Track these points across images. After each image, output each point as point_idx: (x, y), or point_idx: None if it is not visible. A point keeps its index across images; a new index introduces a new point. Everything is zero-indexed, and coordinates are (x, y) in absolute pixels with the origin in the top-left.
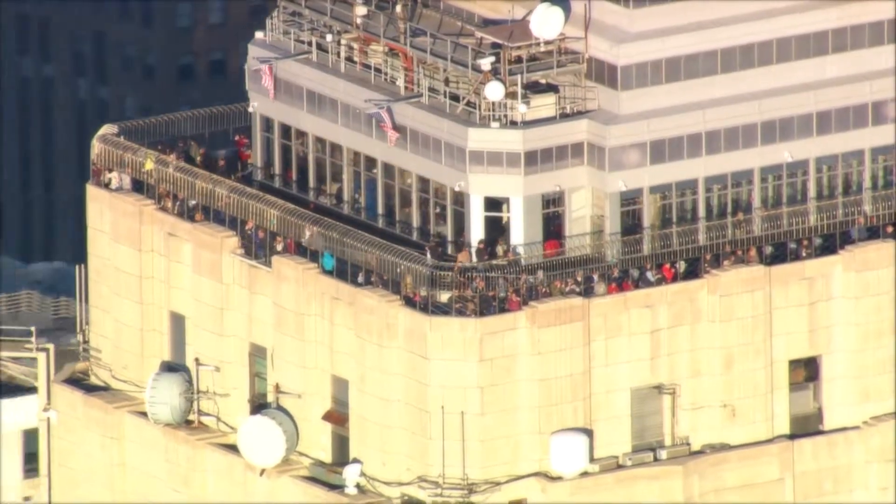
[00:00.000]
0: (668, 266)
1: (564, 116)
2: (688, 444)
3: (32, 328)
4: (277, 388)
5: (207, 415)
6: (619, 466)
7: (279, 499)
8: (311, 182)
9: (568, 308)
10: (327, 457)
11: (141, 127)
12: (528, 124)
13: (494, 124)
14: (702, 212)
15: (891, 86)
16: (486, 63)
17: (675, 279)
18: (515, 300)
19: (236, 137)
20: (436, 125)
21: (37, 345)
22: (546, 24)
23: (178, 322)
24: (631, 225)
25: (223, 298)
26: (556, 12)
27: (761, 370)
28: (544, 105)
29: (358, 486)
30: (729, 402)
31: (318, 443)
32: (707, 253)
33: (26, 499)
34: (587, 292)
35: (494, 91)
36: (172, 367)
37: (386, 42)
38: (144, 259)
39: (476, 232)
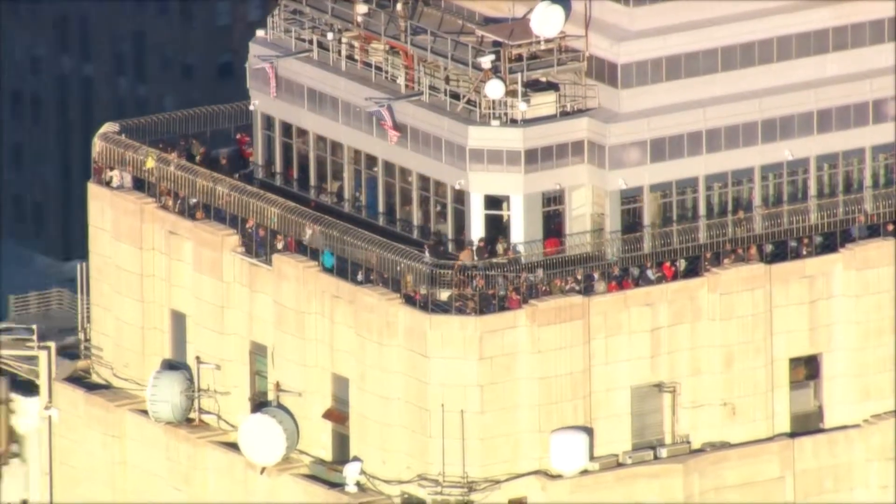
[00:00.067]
0: (668, 264)
1: (565, 114)
2: (688, 443)
3: (34, 326)
4: (278, 387)
5: (208, 413)
6: (620, 465)
7: (279, 497)
8: (312, 180)
9: (568, 306)
10: (328, 455)
11: (142, 125)
12: (528, 122)
13: (495, 122)
14: (702, 210)
15: (891, 84)
16: (486, 61)
17: (675, 277)
18: (515, 298)
19: (238, 135)
20: (436, 123)
21: (38, 343)
22: (546, 23)
23: (178, 320)
24: (631, 223)
25: (224, 297)
26: (557, 10)
27: (761, 368)
28: (545, 103)
29: (358, 484)
30: (729, 400)
31: (318, 441)
32: (707, 251)
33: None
34: (587, 290)
35: (495, 89)
36: (173, 365)
37: (387, 40)
38: (145, 257)
39: (476, 230)
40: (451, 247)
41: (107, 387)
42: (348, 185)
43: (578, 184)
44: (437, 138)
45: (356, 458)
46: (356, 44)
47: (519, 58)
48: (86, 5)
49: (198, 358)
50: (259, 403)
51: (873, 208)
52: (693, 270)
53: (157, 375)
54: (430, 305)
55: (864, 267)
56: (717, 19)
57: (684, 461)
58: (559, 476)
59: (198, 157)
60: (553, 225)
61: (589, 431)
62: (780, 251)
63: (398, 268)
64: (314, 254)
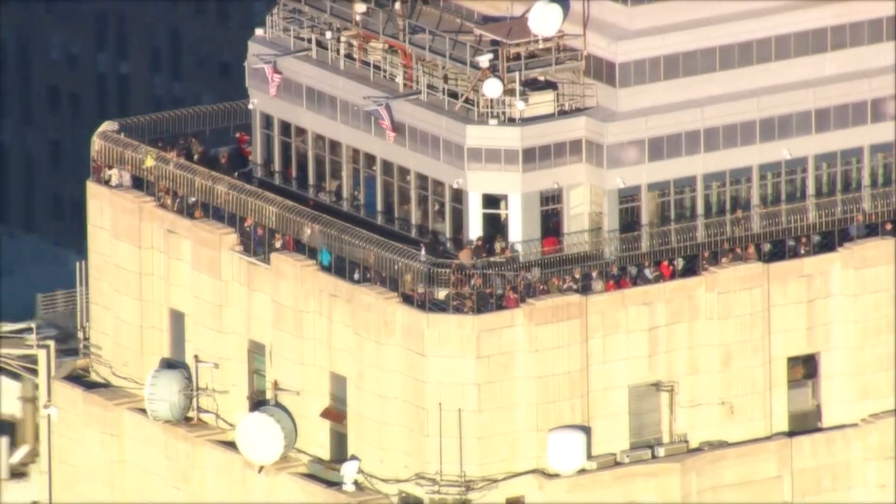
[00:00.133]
0: (666, 263)
1: (563, 113)
2: (686, 442)
3: (33, 324)
4: (276, 385)
5: (207, 412)
6: (617, 464)
7: (278, 496)
8: (311, 179)
9: (565, 305)
10: (325, 454)
11: (142, 124)
12: (526, 121)
13: (493, 121)
14: (700, 209)
15: (890, 83)
16: (484, 60)
17: (673, 276)
18: (513, 297)
19: (237, 134)
20: (434, 122)
21: (37, 341)
22: (544, 22)
23: (177, 319)
24: (629, 222)
25: (222, 295)
26: (555, 9)
27: (759, 367)
28: (543, 102)
29: (356, 483)
30: (727, 399)
31: (316, 440)
32: (705, 250)
33: None
34: (585, 289)
35: (492, 88)
36: (172, 363)
37: (385, 39)
38: (144, 256)
39: (474, 229)
40: (449, 246)
41: (106, 385)
42: (347, 183)
43: (576, 183)
44: (435, 137)
45: (354, 457)
46: (355, 43)
47: (517, 57)
48: (122, 4)
49: (196, 357)
50: (257, 402)
51: (871, 207)
52: (691, 269)
53: (155, 374)
54: (428, 304)
55: (863, 266)
56: (715, 18)
57: (682, 460)
58: (557, 475)
59: (196, 156)
60: (551, 224)
61: (586, 430)
62: (778, 250)
63: (395, 266)
64: (312, 252)
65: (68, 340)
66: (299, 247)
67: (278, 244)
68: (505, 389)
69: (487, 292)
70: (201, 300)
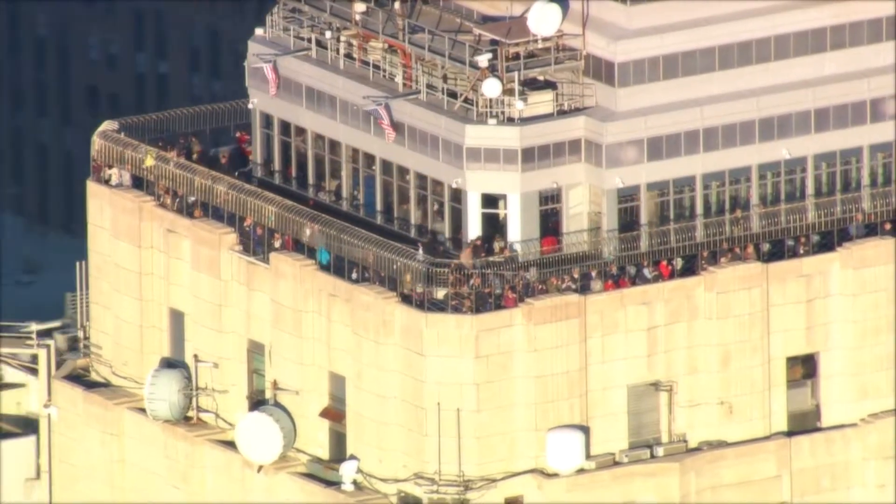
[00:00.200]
0: (665, 263)
1: (562, 113)
2: (685, 441)
3: (33, 324)
4: (275, 385)
5: (206, 411)
6: (616, 463)
7: (277, 495)
8: (311, 179)
9: (564, 305)
10: (325, 453)
11: (142, 123)
12: (525, 121)
13: (492, 121)
14: (699, 209)
15: (889, 83)
16: (483, 60)
17: (672, 276)
18: (511, 297)
19: (238, 134)
20: (433, 122)
21: (37, 341)
22: (544, 21)
23: (177, 318)
24: (628, 222)
25: (222, 295)
26: (554, 9)
27: (758, 367)
28: (542, 102)
29: (355, 482)
30: (726, 399)
31: (315, 439)
32: (704, 250)
33: None
34: (583, 289)
35: (491, 88)
36: (172, 363)
37: (385, 39)
38: (144, 255)
39: (473, 229)
40: (448, 245)
41: (106, 385)
42: (346, 183)
43: (575, 182)
44: (434, 137)
45: (353, 457)
46: (354, 42)
47: (516, 56)
48: (161, 3)
49: (196, 356)
50: (257, 402)
51: (871, 207)
52: (690, 269)
53: (154, 374)
54: (427, 304)
55: (862, 266)
56: (714, 18)
57: (681, 460)
58: (555, 475)
59: (194, 156)
60: (550, 223)
61: (585, 430)
62: (777, 250)
63: (394, 266)
64: (312, 252)
65: None
66: (298, 246)
67: (277, 244)
68: (503, 389)
69: (486, 292)
70: (201, 300)
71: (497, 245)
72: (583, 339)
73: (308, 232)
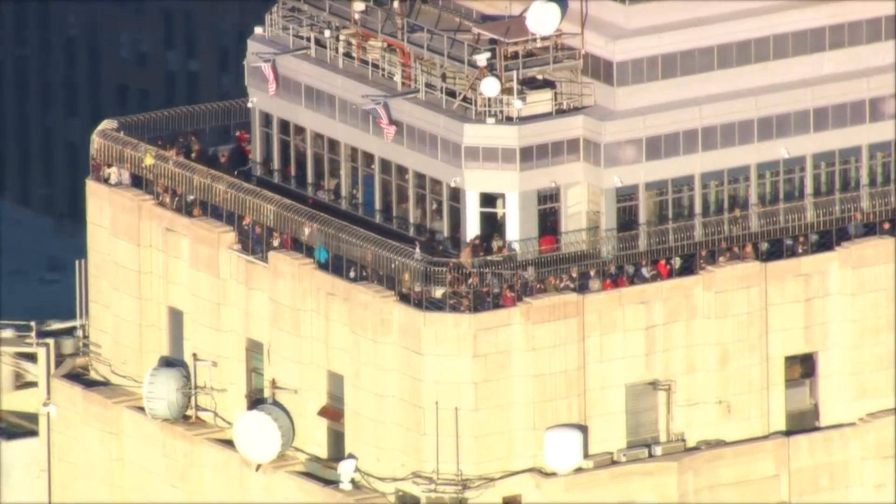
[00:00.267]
0: (663, 262)
1: (560, 112)
2: (683, 441)
3: (32, 323)
4: (273, 384)
5: (205, 410)
6: (614, 462)
7: (275, 494)
8: (310, 177)
9: (562, 304)
10: (323, 452)
11: (141, 122)
12: (523, 120)
13: (490, 120)
14: (698, 208)
15: (888, 82)
16: (481, 59)
17: (670, 275)
18: (510, 296)
19: (237, 132)
20: (432, 121)
21: (36, 340)
22: (542, 20)
23: (176, 317)
24: (627, 221)
25: (220, 294)
26: (553, 8)
27: (757, 366)
28: (540, 101)
29: (353, 481)
30: (724, 398)
31: (313, 438)
32: (703, 249)
33: None
34: (582, 288)
35: (490, 87)
36: (171, 362)
37: (384, 38)
38: (143, 254)
39: (472, 228)
40: (448, 244)
41: (105, 384)
42: (345, 182)
43: (574, 181)
44: (433, 136)
45: (351, 456)
46: (354, 41)
47: (515, 55)
48: (190, 3)
49: (194, 355)
50: (255, 400)
51: (870, 206)
52: (688, 268)
53: (153, 373)
54: (425, 303)
55: (860, 265)
56: (712, 17)
57: (679, 459)
58: (553, 474)
59: (193, 154)
60: (548, 223)
61: (583, 429)
62: (775, 249)
63: (392, 265)
64: (310, 251)
65: None
66: (297, 245)
67: (276, 243)
68: (502, 388)
69: (484, 291)
70: (199, 298)
71: (495, 244)
72: (581, 338)
73: (307, 231)
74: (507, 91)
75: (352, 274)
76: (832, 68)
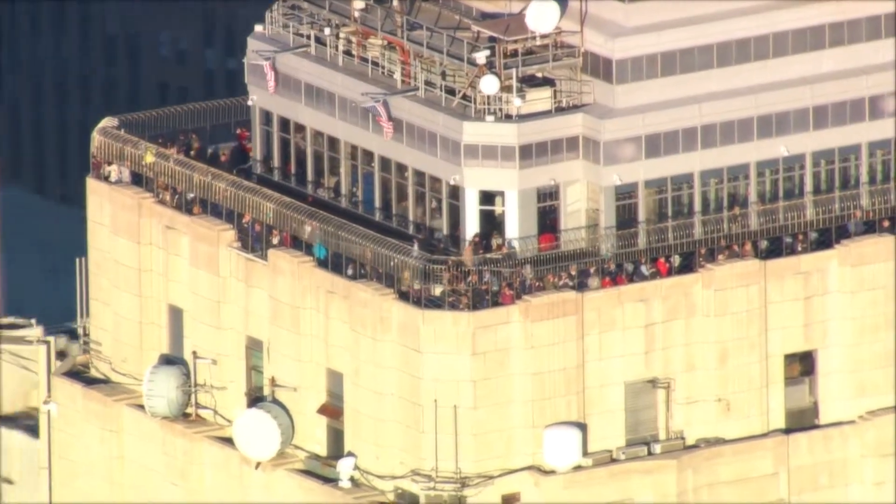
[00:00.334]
0: (662, 260)
1: (560, 110)
2: (682, 439)
3: (33, 320)
4: (273, 382)
5: (205, 408)
6: (613, 460)
7: (274, 492)
8: (310, 175)
9: (561, 302)
10: (322, 450)
11: (141, 120)
12: (523, 118)
13: (489, 118)
14: (697, 206)
15: (888, 80)
16: (481, 57)
17: (669, 273)
18: (508, 294)
19: (238, 130)
20: (431, 119)
21: (37, 338)
22: (542, 18)
23: (176, 315)
24: (626, 219)
25: (220, 291)
26: (552, 6)
27: (756, 364)
28: (540, 99)
29: (352, 479)
30: (724, 396)
31: (313, 436)
32: (702, 247)
33: None
34: (581, 286)
35: (489, 85)
36: (171, 360)
37: (383, 36)
38: (143, 252)
39: (471, 226)
40: (447, 242)
41: (105, 381)
42: (345, 180)
43: (573, 179)
44: (432, 134)
45: (350, 454)
46: (353, 39)
47: (514, 53)
48: (230, 2)
49: (194, 353)
50: (255, 398)
51: (869, 204)
52: (687, 266)
53: (153, 370)
54: (424, 301)
55: (860, 263)
56: (712, 15)
57: (678, 457)
58: (552, 472)
59: (192, 152)
60: (548, 221)
61: (582, 427)
62: (775, 247)
63: (391, 263)
64: (310, 249)
65: None
66: (297, 243)
67: (275, 240)
68: (500, 386)
69: (483, 289)
70: (199, 296)
71: (495, 242)
72: (580, 336)
73: (308, 229)
74: (506, 89)
75: (350, 271)
76: (832, 66)
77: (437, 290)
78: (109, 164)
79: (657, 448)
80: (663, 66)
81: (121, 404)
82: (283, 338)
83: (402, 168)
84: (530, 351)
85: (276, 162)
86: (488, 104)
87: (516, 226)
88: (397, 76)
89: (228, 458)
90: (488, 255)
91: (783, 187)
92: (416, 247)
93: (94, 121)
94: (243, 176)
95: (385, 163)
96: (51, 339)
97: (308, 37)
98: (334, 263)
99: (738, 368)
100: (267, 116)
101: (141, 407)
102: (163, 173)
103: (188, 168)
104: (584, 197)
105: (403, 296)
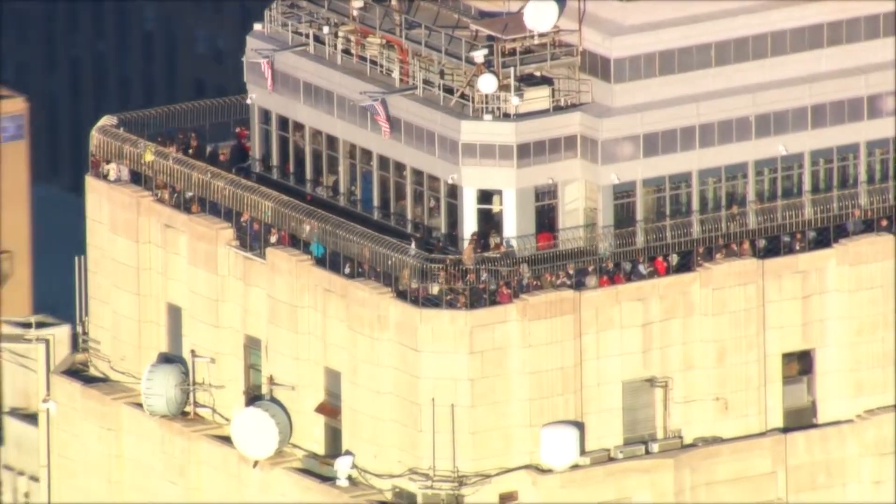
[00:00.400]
0: (660, 259)
1: (558, 109)
2: (680, 438)
3: (32, 319)
4: (271, 380)
5: (203, 406)
6: (611, 459)
7: (272, 490)
8: (309, 174)
9: (559, 301)
10: (320, 449)
11: (141, 118)
12: (521, 117)
13: (487, 117)
14: (695, 205)
15: (886, 79)
16: (479, 55)
17: (667, 272)
18: (506, 293)
19: (238, 129)
20: (429, 117)
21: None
22: (540, 17)
23: (174, 313)
24: (624, 218)
25: (218, 290)
26: (551, 5)
27: (754, 363)
28: (538, 98)
29: (350, 478)
30: (721, 395)
31: (310, 435)
32: (700, 246)
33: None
34: (578, 285)
35: (487, 84)
36: (169, 358)
37: (382, 34)
38: (142, 250)
39: (469, 225)
40: (445, 241)
41: (104, 380)
42: (344, 179)
43: (571, 178)
44: (430, 132)
45: (348, 452)
46: (352, 38)
47: (512, 52)
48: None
49: (193, 351)
50: (253, 397)
51: (868, 203)
52: (685, 265)
53: (151, 369)
54: (421, 299)
55: (858, 262)
56: (710, 14)
57: (676, 456)
58: (550, 470)
59: (191, 151)
60: (546, 220)
61: (580, 426)
62: (773, 246)
63: (389, 262)
64: (308, 247)
65: None
66: (295, 242)
67: (274, 239)
68: (498, 385)
69: (481, 288)
70: (198, 295)
71: (493, 241)
72: (577, 334)
73: (307, 228)
74: (504, 88)
75: (347, 270)
76: (830, 65)
77: (435, 289)
78: (108, 162)
79: (655, 447)
80: (661, 65)
81: (119, 403)
82: (282, 336)
83: (400, 167)
84: (528, 350)
85: (274, 161)
86: (486, 103)
87: (514, 225)
88: (395, 75)
89: (227, 457)
90: (486, 254)
91: (781, 186)
92: (412, 246)
93: None
94: (242, 175)
95: (383, 161)
96: (50, 336)
97: (307, 35)
98: (332, 262)
99: (736, 367)
100: (266, 115)
101: (139, 405)
102: (162, 172)
103: (187, 167)
104: (582, 196)
105: (401, 295)
